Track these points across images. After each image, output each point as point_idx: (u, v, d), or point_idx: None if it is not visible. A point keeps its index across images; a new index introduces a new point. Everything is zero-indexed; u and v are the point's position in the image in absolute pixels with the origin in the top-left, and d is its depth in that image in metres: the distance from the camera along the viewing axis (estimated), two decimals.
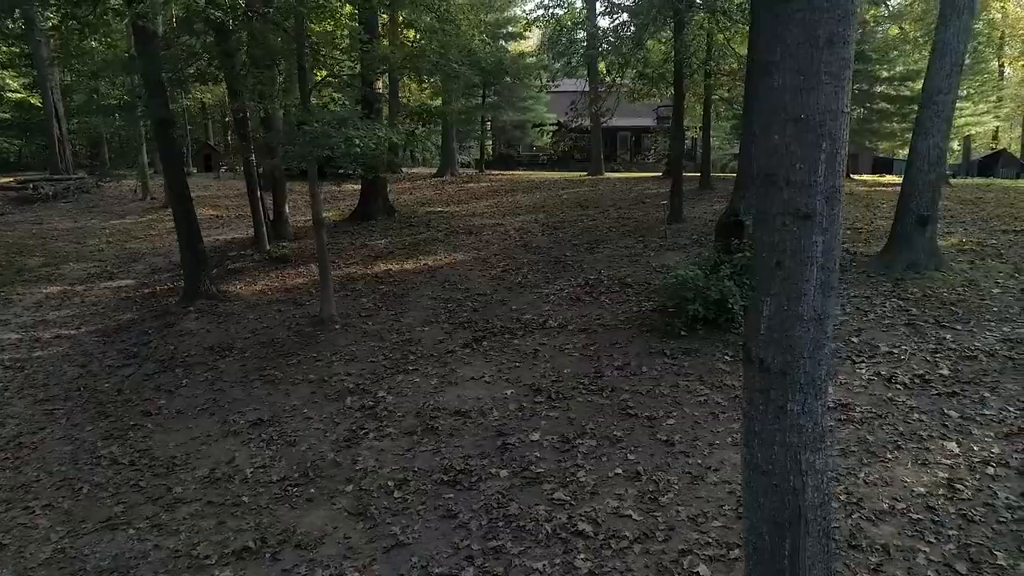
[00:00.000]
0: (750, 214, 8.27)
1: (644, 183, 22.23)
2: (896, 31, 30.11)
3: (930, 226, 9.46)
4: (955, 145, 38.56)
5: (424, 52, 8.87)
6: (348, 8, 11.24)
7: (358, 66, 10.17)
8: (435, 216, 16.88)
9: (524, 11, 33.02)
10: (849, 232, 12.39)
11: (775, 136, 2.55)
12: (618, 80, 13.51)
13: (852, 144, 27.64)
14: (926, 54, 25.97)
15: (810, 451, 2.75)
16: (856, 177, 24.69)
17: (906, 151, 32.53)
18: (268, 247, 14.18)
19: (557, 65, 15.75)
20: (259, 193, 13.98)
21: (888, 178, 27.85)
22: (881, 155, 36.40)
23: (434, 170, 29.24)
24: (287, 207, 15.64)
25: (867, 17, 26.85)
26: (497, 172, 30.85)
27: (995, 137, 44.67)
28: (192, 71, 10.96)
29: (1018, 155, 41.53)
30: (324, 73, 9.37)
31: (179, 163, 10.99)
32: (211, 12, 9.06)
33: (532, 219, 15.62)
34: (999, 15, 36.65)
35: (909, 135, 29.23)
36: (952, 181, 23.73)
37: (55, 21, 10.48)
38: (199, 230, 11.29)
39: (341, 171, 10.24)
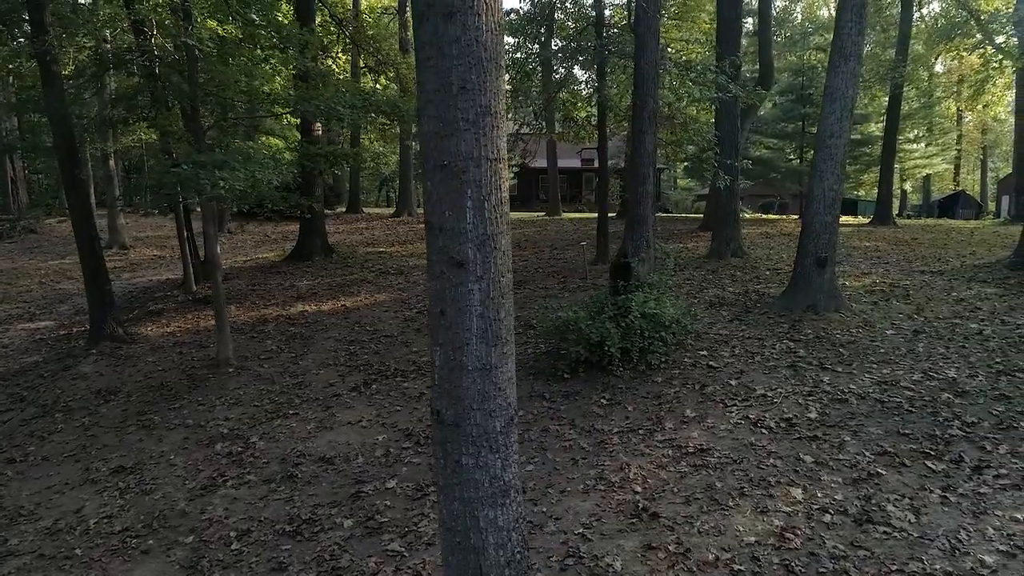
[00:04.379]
0: (637, 256, 8.28)
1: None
2: None
3: (829, 267, 9.49)
4: (907, 187, 39.27)
5: (314, 96, 8.94)
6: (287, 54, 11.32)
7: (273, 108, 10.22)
8: (373, 256, 16.83)
9: None
10: (768, 273, 12.45)
11: (429, 183, 2.51)
12: (543, 123, 13.71)
13: (808, 186, 28.14)
14: (877, 96, 26.55)
15: (488, 507, 2.65)
16: None
17: (862, 192, 33.18)
18: (195, 288, 14.03)
19: None
20: (186, 234, 13.88)
21: (844, 218, 28.23)
22: (846, 196, 37.05)
23: (392, 210, 29.37)
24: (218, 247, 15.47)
25: (816, 62, 27.57)
26: None
27: (955, 178, 45.55)
28: (111, 112, 10.92)
29: (977, 196, 42.34)
30: (217, 115, 9.36)
31: (86, 203, 10.89)
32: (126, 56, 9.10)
33: None
34: (955, 62, 37.80)
35: (863, 176, 29.73)
36: (898, 221, 24.09)
37: None
38: (106, 271, 11.14)
39: (248, 209, 10.12)
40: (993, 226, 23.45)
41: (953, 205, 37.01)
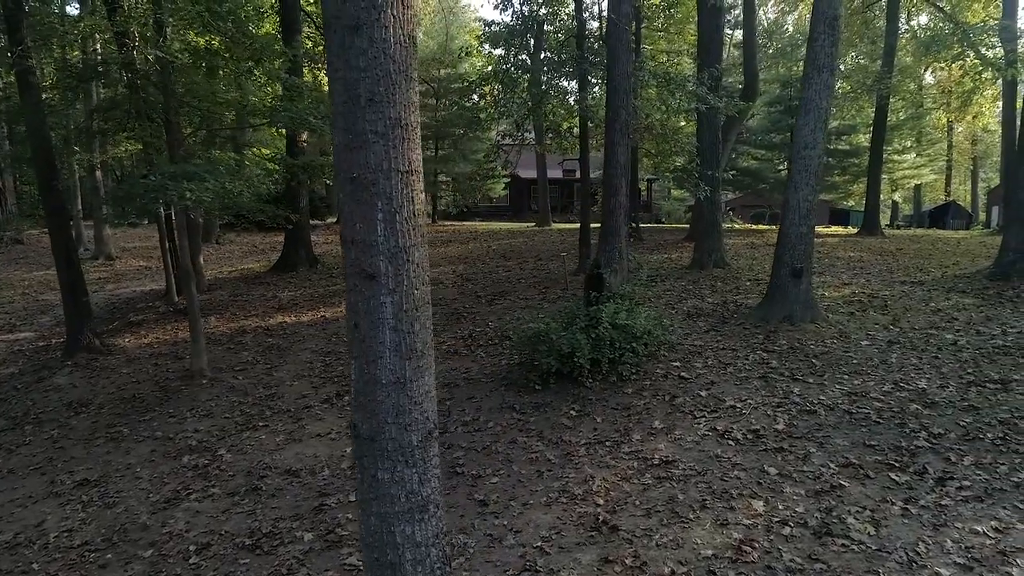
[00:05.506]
0: (609, 266, 8.27)
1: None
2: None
3: (804, 278, 9.49)
4: (897, 197, 39.36)
5: (287, 108, 8.97)
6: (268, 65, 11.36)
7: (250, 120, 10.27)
8: None
9: (476, 66, 33.61)
10: (748, 283, 12.45)
11: (340, 195, 2.50)
12: (525, 133, 13.78)
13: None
14: (865, 107, 26.68)
15: (405, 522, 2.61)
16: None
17: (851, 202, 33.24)
18: (177, 299, 13.98)
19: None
20: (168, 244, 13.85)
21: (833, 228, 28.33)
22: (838, 207, 37.18)
23: None
24: (202, 258, 15.48)
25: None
26: (451, 223, 31.04)
27: (947, 188, 45.70)
28: (90, 123, 10.93)
29: (968, 206, 42.48)
30: (195, 125, 9.39)
31: (63, 214, 10.87)
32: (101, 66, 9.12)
33: (451, 270, 15.59)
34: (945, 73, 37.98)
35: (852, 187, 29.82)
36: (886, 232, 24.11)
37: None
38: (84, 282, 11.11)
39: (227, 220, 10.10)
40: (980, 236, 23.53)
41: (944, 215, 37.15)
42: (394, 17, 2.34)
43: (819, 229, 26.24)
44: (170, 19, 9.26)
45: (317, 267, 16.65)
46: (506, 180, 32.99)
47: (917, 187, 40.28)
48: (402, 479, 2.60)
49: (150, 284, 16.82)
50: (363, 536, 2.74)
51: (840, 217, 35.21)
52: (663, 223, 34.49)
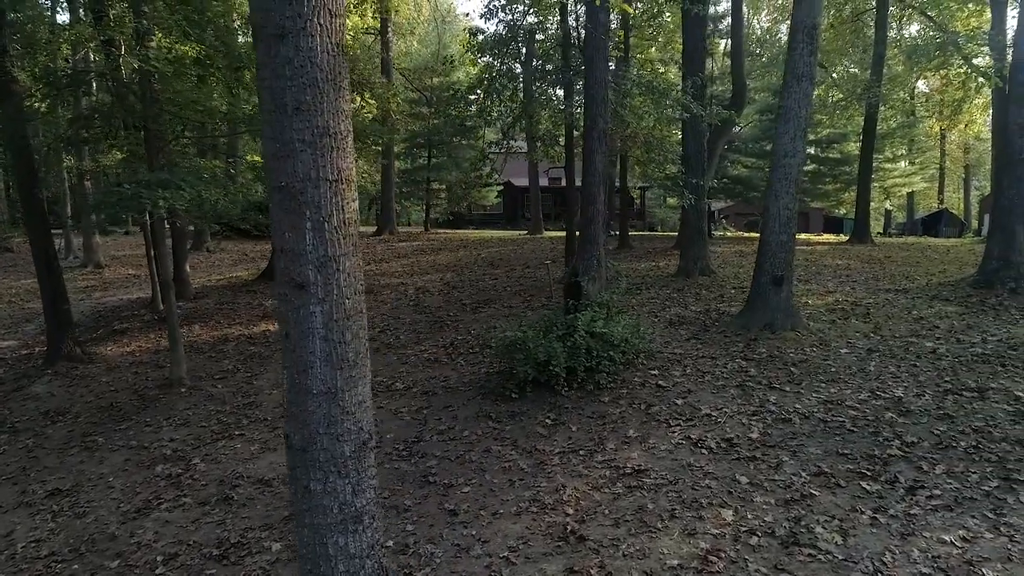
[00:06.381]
0: (588, 275, 8.26)
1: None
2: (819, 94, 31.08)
3: (785, 286, 9.48)
4: (889, 205, 39.43)
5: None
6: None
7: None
8: None
9: (471, 74, 33.64)
10: (733, 291, 12.44)
11: (271, 204, 2.48)
12: (512, 141, 13.81)
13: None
14: (855, 116, 26.78)
15: (338, 534, 2.59)
16: None
17: (843, 210, 33.32)
18: (162, 307, 13.93)
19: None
20: (153, 252, 13.81)
21: (825, 236, 28.35)
22: (833, 215, 37.24)
23: (374, 228, 29.35)
24: (189, 266, 15.46)
25: None
26: (443, 231, 31.01)
27: (940, 196, 45.79)
28: (69, 132, 10.93)
29: (961, 214, 42.57)
30: (178, 133, 9.40)
31: (43, 223, 10.82)
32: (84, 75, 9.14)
33: (439, 278, 15.58)
34: (936, 81, 38.13)
35: (844, 195, 29.91)
36: (876, 239, 24.15)
37: None
38: (65, 291, 11.06)
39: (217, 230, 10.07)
40: (971, 244, 23.54)
41: (936, 223, 37.22)
42: (321, 26, 2.33)
43: (811, 237, 26.32)
44: (155, 26, 9.28)
45: None
46: (499, 188, 33.03)
47: (910, 195, 40.40)
48: (335, 490, 2.57)
49: (137, 292, 16.78)
50: (298, 548, 2.72)
51: (834, 225, 35.28)
52: (656, 231, 34.52)
